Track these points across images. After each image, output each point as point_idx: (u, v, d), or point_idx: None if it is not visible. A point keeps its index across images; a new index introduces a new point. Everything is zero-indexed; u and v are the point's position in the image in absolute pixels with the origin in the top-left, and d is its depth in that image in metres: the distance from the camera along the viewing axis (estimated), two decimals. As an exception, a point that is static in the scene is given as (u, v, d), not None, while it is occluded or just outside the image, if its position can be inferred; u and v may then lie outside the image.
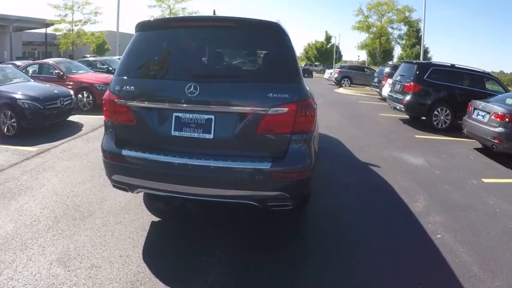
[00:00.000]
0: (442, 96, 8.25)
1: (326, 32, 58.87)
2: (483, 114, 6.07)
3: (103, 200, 3.50)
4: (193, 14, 21.74)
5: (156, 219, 3.16)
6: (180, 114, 2.44)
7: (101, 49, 32.77)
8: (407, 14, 19.18)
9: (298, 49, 60.58)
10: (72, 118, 6.96)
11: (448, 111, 8.23)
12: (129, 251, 2.61)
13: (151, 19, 2.70)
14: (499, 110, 5.74)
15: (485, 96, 7.70)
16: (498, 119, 5.63)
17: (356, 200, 3.95)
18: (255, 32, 2.66)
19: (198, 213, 3.38)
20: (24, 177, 4.01)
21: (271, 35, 2.60)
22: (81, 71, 9.44)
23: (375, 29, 20.26)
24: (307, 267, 2.62)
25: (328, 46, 52.73)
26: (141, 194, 3.58)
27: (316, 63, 54.18)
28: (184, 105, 2.41)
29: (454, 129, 8.17)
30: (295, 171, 2.41)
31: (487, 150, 6.49)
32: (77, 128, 6.58)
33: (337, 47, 49.94)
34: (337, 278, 2.52)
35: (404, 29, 21.53)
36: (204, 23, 2.76)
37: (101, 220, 3.07)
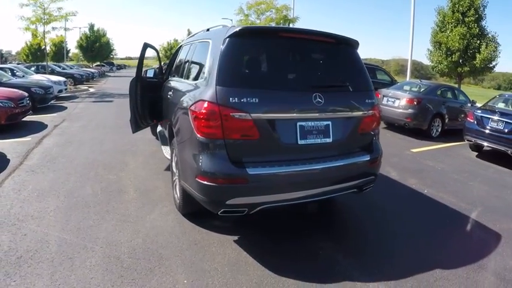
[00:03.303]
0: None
1: (188, 30, 59.47)
2: (393, 100, 7.94)
3: (150, 237, 2.89)
4: (71, 16, 18.08)
5: (235, 237, 2.95)
6: (303, 123, 2.59)
7: None
8: (285, 12, 21.34)
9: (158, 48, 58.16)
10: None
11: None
12: (257, 277, 2.44)
13: (259, 26, 2.49)
14: (408, 96, 7.66)
15: (378, 85, 9.92)
16: (408, 103, 7.52)
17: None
18: (346, 47, 3.06)
19: (259, 219, 3.28)
20: (3, 238, 2.76)
21: (355, 50, 3.10)
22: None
23: None
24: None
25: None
26: (179, 216, 3.27)
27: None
28: (309, 114, 2.61)
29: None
30: (378, 159, 3.06)
31: (392, 129, 8.54)
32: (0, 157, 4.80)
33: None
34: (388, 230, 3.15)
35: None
36: (310, 37, 2.87)
37: (181, 259, 2.60)
